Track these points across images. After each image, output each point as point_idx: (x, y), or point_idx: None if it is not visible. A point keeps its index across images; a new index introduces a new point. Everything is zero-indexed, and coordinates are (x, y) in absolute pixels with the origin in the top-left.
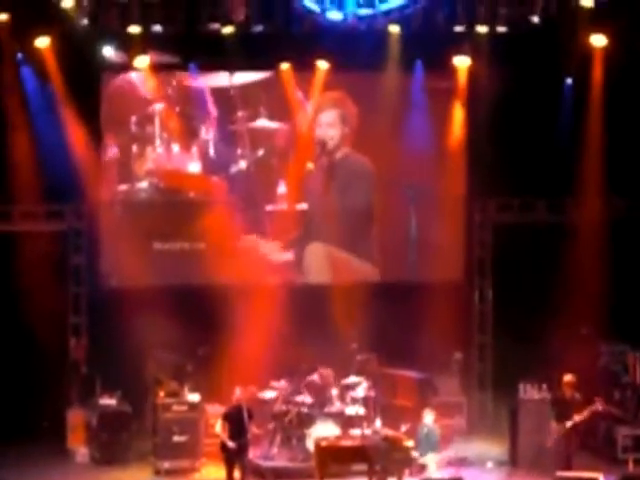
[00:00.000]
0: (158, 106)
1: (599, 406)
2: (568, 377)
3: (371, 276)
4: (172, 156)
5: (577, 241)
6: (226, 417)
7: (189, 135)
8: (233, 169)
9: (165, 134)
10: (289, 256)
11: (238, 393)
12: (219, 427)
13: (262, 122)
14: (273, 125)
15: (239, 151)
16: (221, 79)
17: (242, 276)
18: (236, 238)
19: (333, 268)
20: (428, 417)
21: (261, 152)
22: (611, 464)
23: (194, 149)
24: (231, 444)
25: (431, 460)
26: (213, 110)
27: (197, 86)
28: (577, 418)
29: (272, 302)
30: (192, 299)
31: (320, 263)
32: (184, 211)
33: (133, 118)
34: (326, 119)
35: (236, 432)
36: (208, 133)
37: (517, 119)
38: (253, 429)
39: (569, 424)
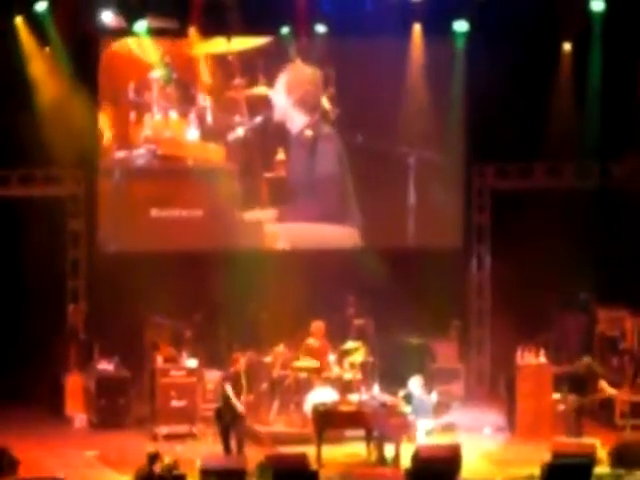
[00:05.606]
0: (156, 74)
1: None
2: (588, 359)
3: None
4: (170, 123)
5: (575, 206)
6: (229, 381)
7: (186, 102)
8: (231, 136)
9: (163, 101)
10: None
11: (240, 360)
12: (230, 392)
13: (260, 89)
14: (271, 92)
15: (237, 118)
16: (219, 45)
17: (239, 242)
18: (233, 205)
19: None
20: (413, 383)
21: (259, 119)
22: (608, 430)
23: (192, 116)
24: (241, 407)
25: (421, 426)
26: (208, 78)
27: (194, 53)
28: (597, 396)
29: (269, 268)
30: (189, 265)
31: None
32: (182, 178)
33: (131, 85)
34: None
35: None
36: (205, 100)
37: (516, 84)
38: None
39: (586, 400)
